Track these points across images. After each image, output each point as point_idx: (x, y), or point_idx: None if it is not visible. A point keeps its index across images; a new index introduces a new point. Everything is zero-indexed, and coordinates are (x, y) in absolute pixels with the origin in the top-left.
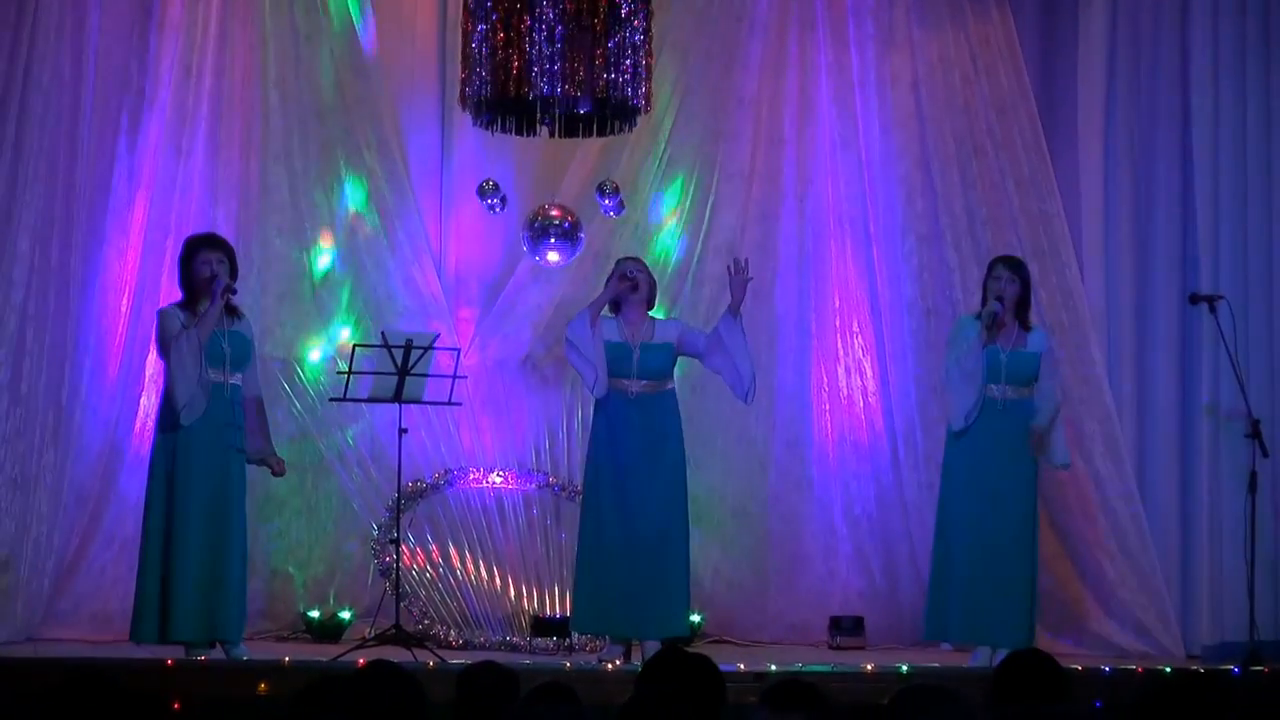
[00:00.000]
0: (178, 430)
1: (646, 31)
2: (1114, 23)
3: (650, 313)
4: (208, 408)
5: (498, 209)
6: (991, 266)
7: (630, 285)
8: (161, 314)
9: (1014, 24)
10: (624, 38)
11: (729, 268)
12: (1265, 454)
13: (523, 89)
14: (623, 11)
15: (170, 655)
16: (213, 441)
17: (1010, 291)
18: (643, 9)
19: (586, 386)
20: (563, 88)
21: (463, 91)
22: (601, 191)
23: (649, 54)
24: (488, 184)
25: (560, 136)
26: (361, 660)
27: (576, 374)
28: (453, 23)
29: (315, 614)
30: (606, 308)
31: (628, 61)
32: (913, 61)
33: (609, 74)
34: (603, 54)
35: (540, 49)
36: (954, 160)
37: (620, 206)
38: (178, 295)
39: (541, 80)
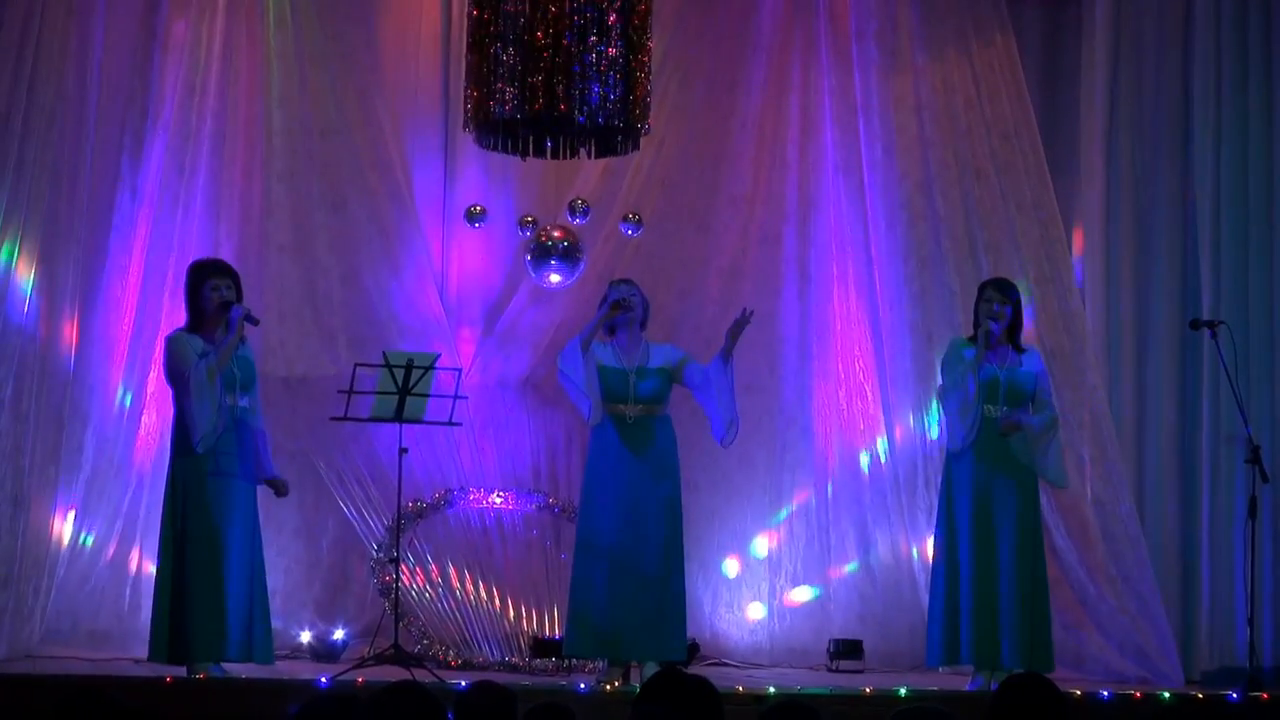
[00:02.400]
0: (192, 456)
1: (637, 50)
2: (1116, 48)
3: (644, 334)
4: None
5: (530, 228)
6: (982, 290)
7: (624, 309)
8: (172, 341)
9: (1016, 49)
10: (607, 55)
11: (736, 318)
12: (1265, 479)
13: (578, 108)
14: (591, 30)
15: (169, 673)
16: (225, 469)
17: (1005, 314)
18: (617, 28)
19: (582, 416)
20: (548, 109)
21: (465, 114)
22: (572, 210)
23: (644, 74)
24: (475, 209)
25: (565, 156)
26: (361, 678)
27: None
28: (456, 45)
29: (309, 634)
30: (600, 331)
31: (613, 79)
32: (915, 85)
33: (596, 94)
34: (581, 74)
35: (517, 70)
36: (956, 184)
37: (638, 225)
38: (180, 315)
39: (521, 101)
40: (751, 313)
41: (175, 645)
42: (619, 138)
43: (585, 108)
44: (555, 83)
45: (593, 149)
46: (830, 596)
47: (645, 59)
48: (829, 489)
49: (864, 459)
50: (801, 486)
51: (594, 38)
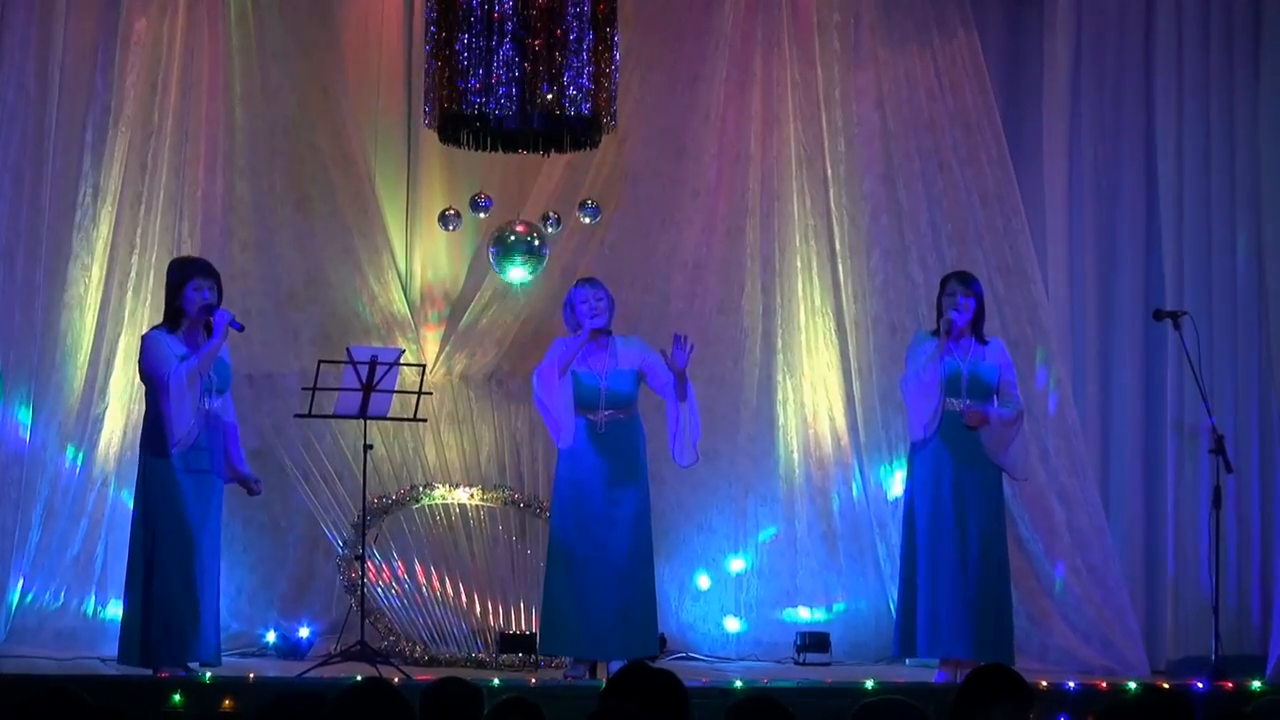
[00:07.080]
0: (165, 457)
1: (608, 47)
2: (1078, 41)
3: (610, 328)
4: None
5: (552, 224)
6: (944, 283)
7: (602, 330)
8: (150, 340)
9: (979, 42)
10: (574, 52)
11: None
12: (1229, 469)
13: (466, 105)
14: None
15: (136, 674)
16: (197, 466)
17: (968, 306)
18: (510, 26)
19: (553, 436)
20: (515, 104)
21: (425, 108)
22: (475, 205)
23: (608, 70)
24: (449, 212)
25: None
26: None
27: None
28: (418, 40)
29: (274, 632)
30: (567, 332)
31: (506, 77)
32: (878, 78)
33: (559, 89)
34: (553, 70)
35: (485, 65)
36: (919, 176)
37: (596, 210)
38: (144, 311)
39: (492, 97)
40: (687, 340)
41: (146, 648)
42: (597, 133)
43: (471, 106)
44: (459, 82)
45: (546, 144)
46: (798, 589)
47: (556, 56)
48: (794, 481)
49: (829, 450)
50: (766, 479)
51: (487, 35)
